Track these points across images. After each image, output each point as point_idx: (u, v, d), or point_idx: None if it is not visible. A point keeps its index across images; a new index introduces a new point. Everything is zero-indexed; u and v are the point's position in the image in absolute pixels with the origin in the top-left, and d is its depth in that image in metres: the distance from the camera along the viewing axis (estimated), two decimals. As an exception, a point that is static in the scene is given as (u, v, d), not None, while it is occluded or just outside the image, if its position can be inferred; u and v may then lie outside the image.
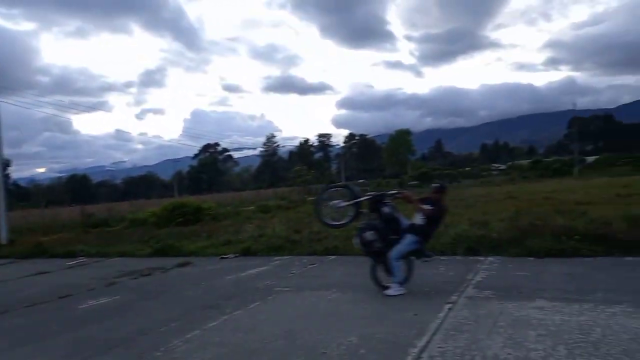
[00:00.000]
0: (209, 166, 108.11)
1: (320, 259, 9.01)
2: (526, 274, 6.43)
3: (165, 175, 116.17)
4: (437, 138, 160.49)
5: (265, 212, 23.01)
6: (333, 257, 9.11)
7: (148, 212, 22.15)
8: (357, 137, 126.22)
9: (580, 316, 4.47)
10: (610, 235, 7.45)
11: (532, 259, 7.37)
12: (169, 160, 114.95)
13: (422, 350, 3.87)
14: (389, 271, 5.91)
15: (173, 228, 16.84)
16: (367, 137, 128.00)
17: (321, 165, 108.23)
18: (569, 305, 4.84)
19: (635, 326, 4.07)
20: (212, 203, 24.70)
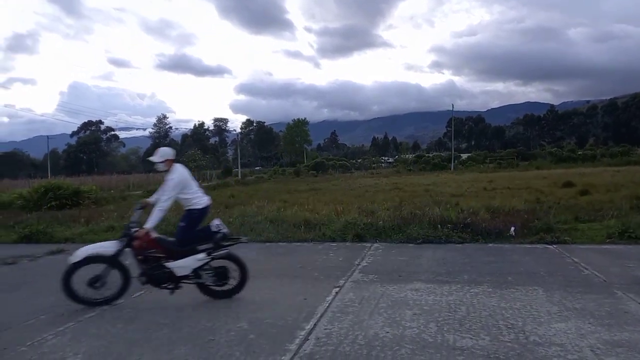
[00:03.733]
0: (90, 146, 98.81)
1: (212, 245, 8.80)
2: (406, 258, 6.98)
3: (37, 154, 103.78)
4: (333, 129, 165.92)
5: (154, 197, 21.83)
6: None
7: (14, 193, 19.66)
8: (255, 124, 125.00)
9: (450, 296, 5.00)
10: (476, 224, 8.42)
11: (411, 245, 8.03)
12: (41, 136, 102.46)
13: (309, 333, 4.02)
14: None
15: (45, 212, 15.16)
16: (265, 124, 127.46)
17: (216, 150, 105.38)
18: (441, 286, 5.38)
19: (493, 304, 4.67)
20: (93, 186, 22.64)
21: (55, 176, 49.23)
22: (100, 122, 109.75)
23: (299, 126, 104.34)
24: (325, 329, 4.09)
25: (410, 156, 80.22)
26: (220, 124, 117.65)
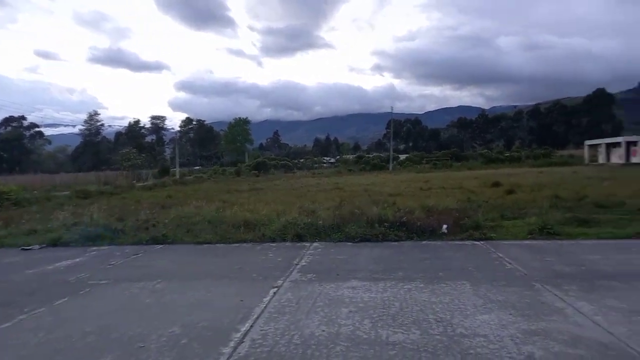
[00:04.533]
0: (12, 143, 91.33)
1: (146, 248, 8.46)
2: (344, 257, 7.08)
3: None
4: (275, 129, 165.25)
5: (84, 198, 20.68)
6: (160, 246, 8.64)
7: None
8: (194, 122, 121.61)
9: (384, 293, 5.13)
10: (411, 223, 8.72)
11: (350, 243, 8.16)
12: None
13: (244, 335, 3.96)
14: None
15: (-44, 215, 13.81)
16: (206, 123, 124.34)
17: (153, 149, 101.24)
18: (376, 284, 5.52)
19: (424, 299, 4.85)
20: (13, 186, 21.02)
21: (-30, 175, 45.02)
22: (23, 117, 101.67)
23: (241, 125, 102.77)
24: (261, 330, 4.06)
25: (351, 157, 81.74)
26: (158, 122, 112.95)
